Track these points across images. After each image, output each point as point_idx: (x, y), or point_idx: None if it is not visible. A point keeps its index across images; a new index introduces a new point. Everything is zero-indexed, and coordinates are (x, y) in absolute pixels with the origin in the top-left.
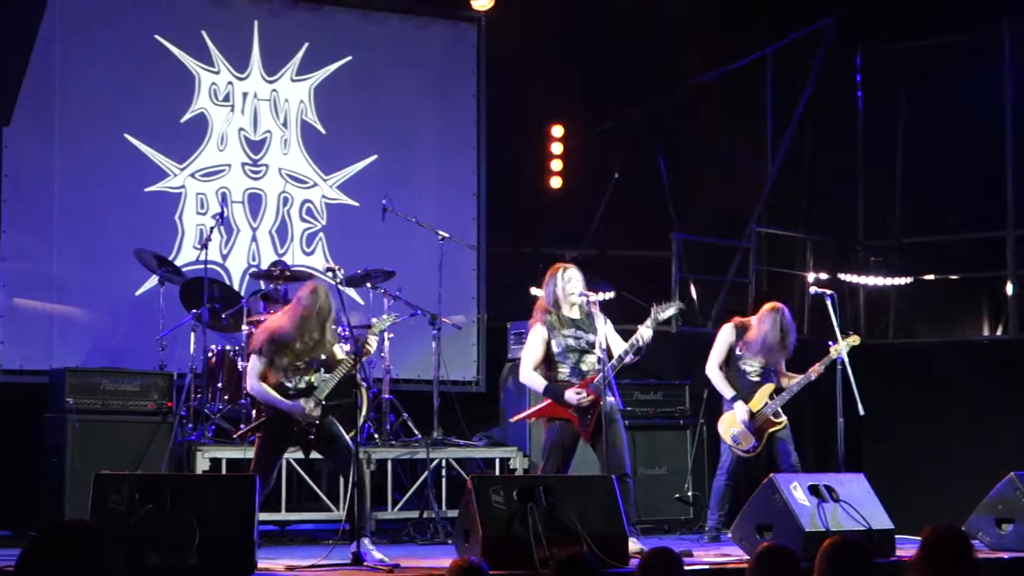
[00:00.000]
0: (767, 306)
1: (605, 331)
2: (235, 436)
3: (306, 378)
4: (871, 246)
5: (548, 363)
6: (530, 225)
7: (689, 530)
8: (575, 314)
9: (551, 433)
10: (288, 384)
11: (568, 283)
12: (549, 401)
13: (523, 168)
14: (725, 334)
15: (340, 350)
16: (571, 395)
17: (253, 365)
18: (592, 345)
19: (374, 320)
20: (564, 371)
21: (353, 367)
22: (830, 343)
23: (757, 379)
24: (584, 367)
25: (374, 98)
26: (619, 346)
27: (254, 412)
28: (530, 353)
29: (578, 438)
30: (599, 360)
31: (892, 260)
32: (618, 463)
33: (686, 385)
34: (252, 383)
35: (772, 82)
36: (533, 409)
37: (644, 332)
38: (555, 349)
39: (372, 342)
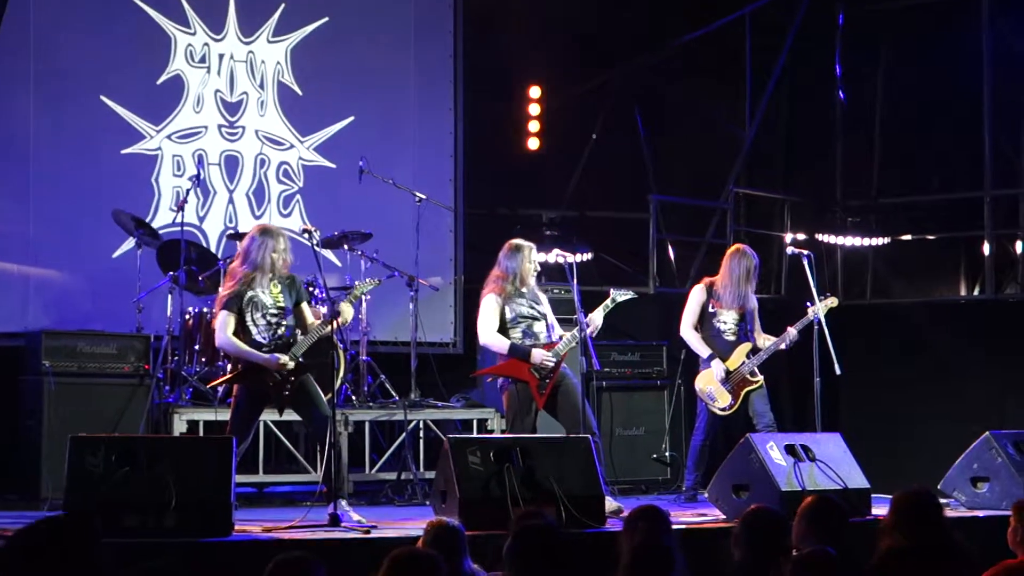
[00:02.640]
0: (730, 250)
1: (549, 305)
2: (208, 387)
3: (279, 329)
4: (849, 206)
5: (501, 330)
6: (508, 187)
7: (667, 490)
8: (524, 288)
9: (512, 398)
10: (263, 340)
11: (533, 264)
12: (511, 360)
13: (501, 129)
14: (696, 294)
15: (310, 312)
16: (538, 355)
17: (222, 320)
18: (543, 315)
19: (357, 283)
20: (517, 335)
21: (327, 326)
22: (808, 304)
23: (733, 338)
24: (536, 329)
25: (351, 59)
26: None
27: (229, 367)
28: (487, 319)
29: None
30: (576, 320)
31: (869, 220)
32: (587, 423)
33: (664, 346)
34: (221, 337)
35: (751, 43)
36: (494, 366)
37: (596, 317)
38: (508, 315)
39: (347, 309)
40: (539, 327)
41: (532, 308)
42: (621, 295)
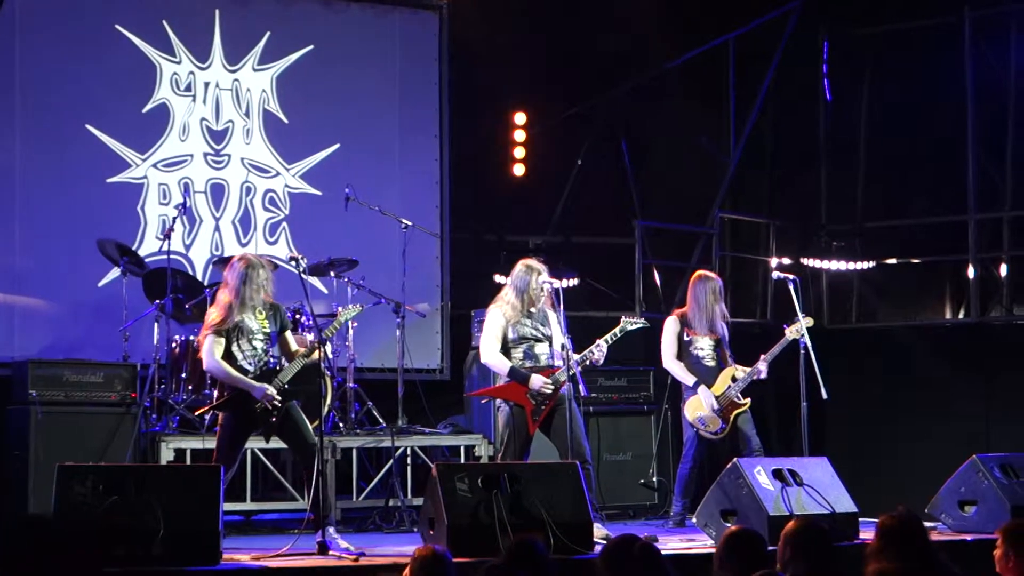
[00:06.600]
0: (693, 277)
1: (558, 326)
2: (196, 414)
3: (262, 355)
4: (834, 231)
5: (503, 348)
6: (494, 213)
7: (654, 515)
8: (533, 309)
9: (507, 420)
10: (249, 367)
11: (539, 290)
12: (510, 383)
13: (486, 155)
14: (670, 326)
15: (293, 341)
16: (537, 381)
17: (210, 343)
18: (548, 337)
19: (339, 309)
20: (518, 355)
21: (313, 353)
22: (785, 326)
23: (712, 363)
24: (538, 351)
25: (336, 87)
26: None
27: (215, 394)
28: (491, 335)
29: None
30: (563, 347)
31: (854, 244)
32: (578, 450)
33: (651, 371)
34: (209, 360)
35: (735, 68)
36: (491, 387)
37: (597, 350)
38: (511, 335)
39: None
40: (541, 349)
41: (536, 329)
42: (632, 324)
